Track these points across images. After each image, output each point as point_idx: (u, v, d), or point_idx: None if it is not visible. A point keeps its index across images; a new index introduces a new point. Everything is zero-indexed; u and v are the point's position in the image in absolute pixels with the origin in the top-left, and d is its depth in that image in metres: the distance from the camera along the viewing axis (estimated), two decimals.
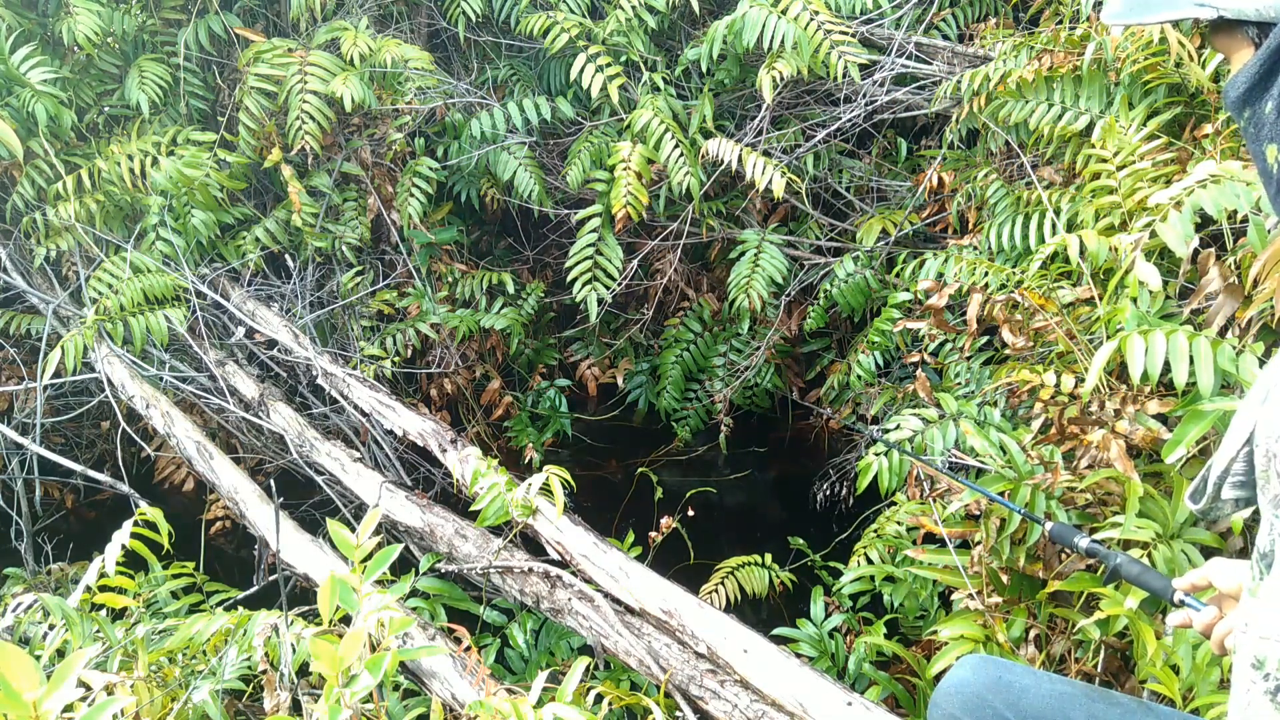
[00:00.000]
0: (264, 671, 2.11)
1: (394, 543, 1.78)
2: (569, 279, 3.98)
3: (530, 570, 2.66)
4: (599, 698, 2.13)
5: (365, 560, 1.72)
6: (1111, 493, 2.24)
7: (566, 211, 4.19)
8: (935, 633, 2.36)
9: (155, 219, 3.76)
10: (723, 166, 3.63)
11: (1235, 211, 2.17)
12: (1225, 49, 1.03)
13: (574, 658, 2.50)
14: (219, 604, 2.68)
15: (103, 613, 2.27)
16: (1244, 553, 2.07)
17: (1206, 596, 1.33)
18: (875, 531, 2.83)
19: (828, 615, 2.84)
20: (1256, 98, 0.99)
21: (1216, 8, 0.99)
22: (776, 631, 2.74)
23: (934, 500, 2.57)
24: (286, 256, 3.99)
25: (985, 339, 3.09)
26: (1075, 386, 2.30)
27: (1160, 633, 1.95)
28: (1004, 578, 2.30)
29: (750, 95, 4.05)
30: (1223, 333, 2.24)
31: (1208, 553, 2.06)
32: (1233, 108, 1.01)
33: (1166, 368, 2.00)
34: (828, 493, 3.69)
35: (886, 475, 2.57)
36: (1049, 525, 1.77)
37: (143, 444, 3.64)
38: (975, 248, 3.22)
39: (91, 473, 3.39)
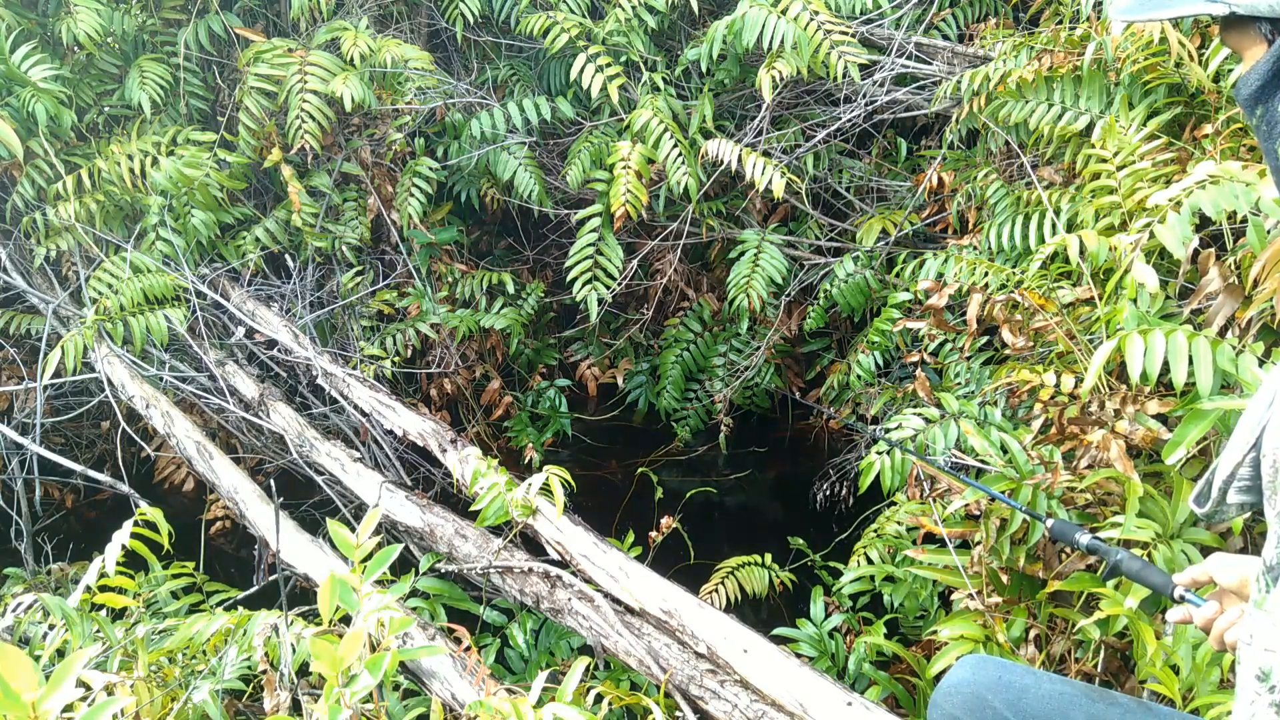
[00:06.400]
0: (264, 671, 2.11)
1: (394, 543, 1.78)
2: (569, 279, 3.98)
3: (530, 570, 2.66)
4: (599, 698, 2.13)
5: (365, 560, 1.72)
6: (1111, 493, 2.24)
7: (566, 211, 4.19)
8: (935, 633, 2.36)
9: (155, 219, 3.76)
10: (722, 166, 3.63)
11: (1235, 212, 2.17)
12: (1237, 46, 1.03)
13: (574, 658, 2.50)
14: (219, 604, 2.68)
15: (103, 613, 2.27)
16: (1244, 551, 2.07)
17: (1207, 592, 1.33)
18: (875, 531, 2.83)
19: (828, 615, 2.84)
20: (1269, 95, 0.98)
21: (1229, 4, 0.98)
22: (776, 631, 2.74)
23: (934, 500, 2.57)
24: (286, 256, 3.99)
25: (985, 339, 3.09)
26: (1075, 386, 2.30)
27: (1160, 633, 1.95)
28: (1004, 578, 2.30)
29: (750, 95, 4.05)
30: (1222, 333, 2.24)
31: (1208, 553, 2.06)
32: (1244, 105, 1.01)
33: (1166, 368, 2.00)
34: (828, 493, 3.69)
35: (889, 474, 2.57)
36: (1050, 522, 1.77)
37: (143, 444, 3.64)
38: (975, 248, 3.22)
39: (91, 473, 3.39)
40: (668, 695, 2.27)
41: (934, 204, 3.80)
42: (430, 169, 3.95)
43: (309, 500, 3.49)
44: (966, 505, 2.39)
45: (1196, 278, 2.37)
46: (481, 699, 2.05)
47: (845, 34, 3.46)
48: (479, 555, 2.77)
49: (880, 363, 3.61)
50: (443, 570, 2.86)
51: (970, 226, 3.43)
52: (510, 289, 4.16)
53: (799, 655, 2.26)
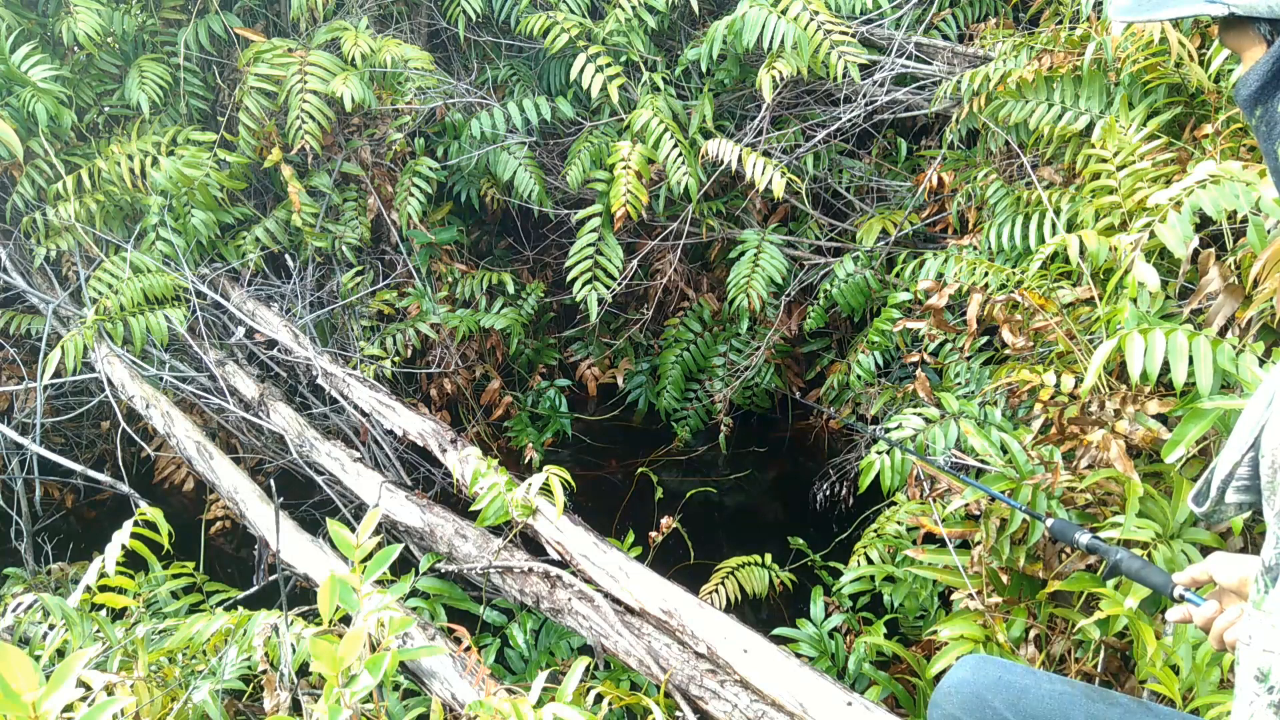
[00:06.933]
0: (264, 671, 2.11)
1: (394, 543, 1.78)
2: (569, 279, 3.99)
3: (530, 570, 2.66)
4: (599, 698, 2.13)
5: (365, 560, 1.72)
6: (1111, 493, 2.24)
7: (566, 211, 4.19)
8: (935, 633, 2.36)
9: (155, 219, 3.76)
10: (722, 166, 3.63)
11: (1235, 211, 2.17)
12: (1236, 46, 1.03)
13: (574, 658, 2.50)
14: (219, 604, 2.68)
15: (103, 613, 2.27)
16: (1244, 551, 2.07)
17: (1206, 592, 1.33)
18: (875, 531, 2.83)
19: (828, 615, 2.84)
20: (1268, 95, 0.99)
21: (1228, 4, 0.98)
22: (776, 631, 2.74)
23: (934, 500, 2.57)
24: (286, 256, 3.99)
25: (985, 339, 3.09)
26: (1075, 386, 2.30)
27: (1160, 633, 1.95)
28: (1004, 578, 2.30)
29: (750, 95, 4.05)
30: (1223, 333, 2.25)
31: (1208, 553, 2.06)
32: (1244, 105, 1.01)
33: (1166, 368, 2.00)
34: (828, 493, 3.69)
35: (888, 474, 2.57)
36: (1049, 521, 1.77)
37: (143, 444, 3.64)
38: (975, 248, 3.22)
39: (91, 473, 3.39)
40: (668, 695, 2.27)
41: (934, 204, 3.80)
42: (430, 169, 3.95)
43: (309, 500, 3.49)
44: (966, 505, 2.39)
45: (1196, 278, 2.37)
46: (481, 699, 2.05)
47: (845, 34, 3.46)
48: (479, 555, 2.77)
49: (880, 363, 3.61)
50: (443, 570, 2.86)
51: (970, 226, 3.43)
52: (510, 289, 4.16)
53: (799, 655, 2.26)
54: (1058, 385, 2.33)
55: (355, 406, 3.49)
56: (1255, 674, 0.94)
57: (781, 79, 3.51)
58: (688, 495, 3.77)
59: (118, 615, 2.32)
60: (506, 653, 2.82)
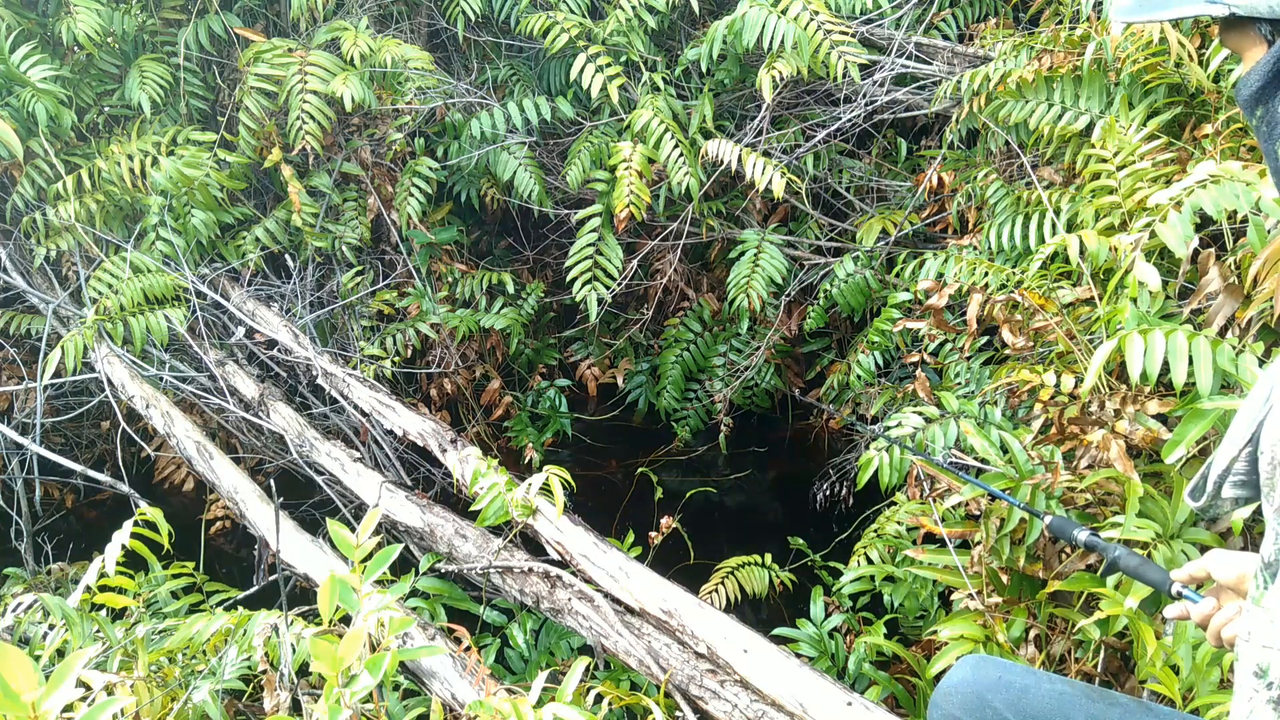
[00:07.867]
0: (264, 671, 2.11)
1: (394, 543, 1.78)
2: (569, 279, 3.98)
3: (530, 570, 2.66)
4: (599, 698, 2.13)
5: (365, 560, 1.72)
6: (1111, 493, 2.24)
7: (566, 211, 4.19)
8: (935, 633, 2.36)
9: (155, 219, 3.76)
10: (723, 166, 3.63)
11: (1235, 211, 2.17)
12: (1237, 47, 1.03)
13: (574, 658, 2.50)
14: (219, 604, 2.68)
15: (103, 613, 2.27)
16: (1244, 550, 2.07)
17: (1205, 589, 1.33)
18: (875, 531, 2.83)
19: (828, 615, 2.84)
20: (1269, 96, 0.99)
21: (1228, 5, 0.98)
22: (776, 631, 2.74)
23: (934, 500, 2.57)
24: (286, 256, 3.99)
25: (985, 339, 3.09)
26: (1075, 386, 2.30)
27: (1160, 633, 1.95)
28: (1004, 578, 2.30)
29: (750, 95, 4.05)
30: (1222, 333, 2.25)
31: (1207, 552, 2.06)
32: (1244, 106, 1.01)
33: (1166, 368, 2.00)
34: (828, 493, 3.69)
35: (887, 470, 2.57)
36: (1048, 518, 1.77)
37: (143, 444, 3.64)
38: (975, 248, 3.22)
39: (91, 473, 3.39)
40: (668, 695, 2.27)
41: (934, 204, 3.80)
42: (430, 169, 3.95)
43: (309, 500, 3.49)
44: (965, 504, 2.39)
45: (1196, 278, 2.37)
46: (481, 699, 2.05)
47: (845, 34, 3.46)
48: (479, 555, 2.77)
49: (880, 363, 3.61)
50: (443, 570, 2.86)
51: (970, 226, 3.43)
52: (510, 289, 4.16)
53: (799, 655, 2.26)
54: (1058, 385, 2.33)
55: (355, 406, 3.49)
56: (1254, 670, 0.94)
57: (781, 79, 3.51)
58: (688, 495, 3.77)
59: (118, 615, 2.32)
60: (506, 653, 2.82)
